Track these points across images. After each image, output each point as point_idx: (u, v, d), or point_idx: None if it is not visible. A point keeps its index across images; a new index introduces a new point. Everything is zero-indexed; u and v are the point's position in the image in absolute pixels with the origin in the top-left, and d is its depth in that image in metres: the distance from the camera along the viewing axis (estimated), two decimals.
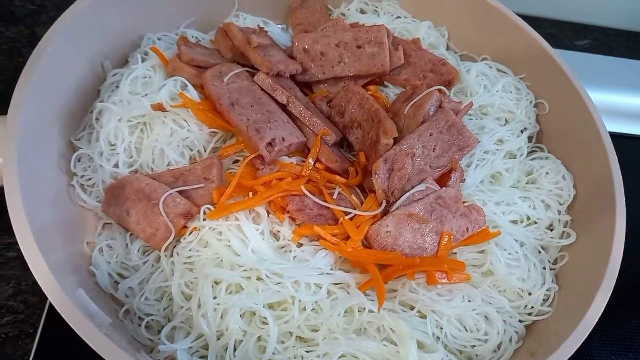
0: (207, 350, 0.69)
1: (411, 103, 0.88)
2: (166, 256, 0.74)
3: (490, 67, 1.00)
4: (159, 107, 0.82)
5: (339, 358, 0.67)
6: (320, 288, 0.71)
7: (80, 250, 0.78)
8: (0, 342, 0.82)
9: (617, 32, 1.60)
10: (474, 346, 0.73)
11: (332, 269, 0.73)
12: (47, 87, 0.78)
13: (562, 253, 0.84)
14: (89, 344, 0.60)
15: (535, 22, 1.50)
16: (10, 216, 0.65)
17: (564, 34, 1.56)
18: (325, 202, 0.78)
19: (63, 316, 0.62)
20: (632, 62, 1.42)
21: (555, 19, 1.55)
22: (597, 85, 1.32)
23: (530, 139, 0.97)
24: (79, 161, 0.83)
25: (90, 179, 0.82)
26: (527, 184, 0.89)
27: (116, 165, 0.82)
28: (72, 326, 0.61)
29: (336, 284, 0.72)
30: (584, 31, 1.57)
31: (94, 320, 0.62)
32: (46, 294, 0.62)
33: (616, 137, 1.16)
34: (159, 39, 0.97)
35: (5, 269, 0.89)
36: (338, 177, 0.82)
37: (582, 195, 0.87)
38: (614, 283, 0.71)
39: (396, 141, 0.83)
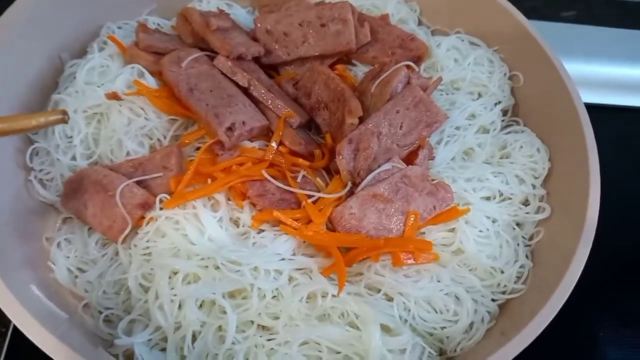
0: (167, 342, 0.67)
1: (378, 80, 0.85)
2: (124, 248, 0.72)
3: (462, 40, 0.96)
4: (113, 96, 0.80)
5: (301, 345, 0.65)
6: (281, 274, 0.68)
7: (40, 246, 0.76)
8: None
9: (604, 1, 1.55)
10: (443, 327, 0.70)
11: (294, 254, 0.71)
12: (1, 83, 0.76)
13: (538, 228, 0.81)
14: (38, 346, 0.59)
15: None
16: None
17: (548, 6, 1.51)
18: (288, 185, 0.76)
19: (10, 318, 0.60)
20: (620, 30, 1.38)
21: None
22: (583, 56, 1.29)
23: (505, 112, 0.94)
24: (37, 155, 0.81)
25: (48, 173, 0.81)
26: (500, 158, 0.86)
27: (73, 158, 0.80)
28: (20, 328, 0.60)
29: (298, 269, 0.70)
30: (570, 2, 1.52)
31: (45, 322, 0.61)
32: None
33: (600, 109, 1.15)
34: (119, 28, 0.95)
35: None
36: (301, 160, 0.79)
37: (558, 169, 0.84)
38: (586, 256, 0.68)
39: (362, 120, 0.80)
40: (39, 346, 0.59)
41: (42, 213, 0.80)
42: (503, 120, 0.92)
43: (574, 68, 1.15)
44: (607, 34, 1.38)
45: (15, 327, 0.78)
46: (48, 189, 0.80)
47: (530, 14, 1.39)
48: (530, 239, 0.81)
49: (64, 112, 0.63)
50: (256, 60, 0.90)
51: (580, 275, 0.68)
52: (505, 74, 0.94)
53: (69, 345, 0.59)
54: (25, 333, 0.60)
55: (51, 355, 0.59)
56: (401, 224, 0.73)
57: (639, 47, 1.33)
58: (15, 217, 0.74)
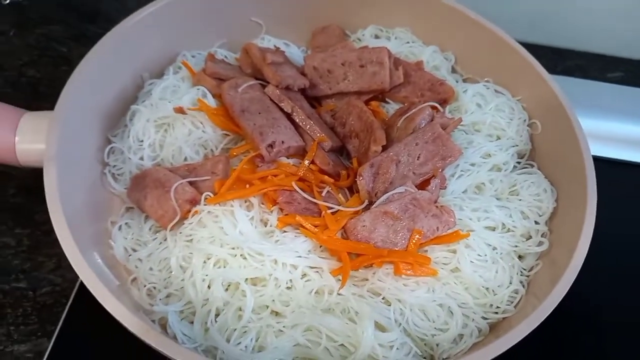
0: (194, 316, 0.79)
1: (404, 117, 0.96)
2: (171, 234, 0.86)
3: (488, 88, 1.07)
4: (180, 110, 0.96)
5: (305, 330, 0.75)
6: (296, 269, 0.80)
7: (105, 227, 0.92)
8: (39, 308, 0.95)
9: None
10: (434, 335, 0.78)
11: (309, 254, 0.82)
12: (91, 91, 0.94)
13: (538, 261, 0.88)
14: (96, 298, 0.72)
15: (564, 53, 1.54)
16: (47, 196, 0.78)
17: (594, 65, 1.56)
18: (313, 197, 0.88)
19: (78, 273, 0.74)
20: None
21: (585, 51, 1.57)
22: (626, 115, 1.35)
23: (522, 156, 1.02)
24: (113, 153, 0.97)
25: (120, 169, 0.97)
26: (510, 195, 0.94)
27: (141, 158, 0.96)
28: (86, 285, 0.72)
29: (311, 267, 0.81)
30: (615, 63, 1.57)
31: (103, 280, 0.74)
32: (67, 257, 0.75)
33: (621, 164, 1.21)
34: (192, 56, 1.12)
35: (50, 247, 1.04)
36: (327, 178, 0.91)
37: (562, 211, 0.91)
38: (560, 298, 0.75)
39: (385, 148, 0.92)
40: (97, 298, 0.70)
41: (110, 200, 0.95)
42: (519, 163, 1.01)
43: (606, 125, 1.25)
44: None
45: (74, 299, 0.95)
46: (118, 182, 0.96)
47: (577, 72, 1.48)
48: (530, 270, 0.88)
49: None
50: (302, 91, 1.04)
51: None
52: (524, 121, 1.03)
53: (123, 304, 0.71)
54: (88, 287, 0.71)
55: (107, 308, 0.70)
56: (406, 240, 0.83)
57: None
58: (90, 201, 0.90)
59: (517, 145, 1.01)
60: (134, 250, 0.88)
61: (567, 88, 1.01)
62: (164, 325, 0.80)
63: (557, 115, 0.97)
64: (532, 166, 1.00)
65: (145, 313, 0.81)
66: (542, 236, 0.90)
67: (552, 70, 1.50)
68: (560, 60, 1.54)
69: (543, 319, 0.72)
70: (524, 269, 0.88)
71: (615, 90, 1.43)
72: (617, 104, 1.38)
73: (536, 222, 0.90)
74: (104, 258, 0.85)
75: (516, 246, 0.88)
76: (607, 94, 1.40)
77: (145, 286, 0.84)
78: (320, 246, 0.84)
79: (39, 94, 1.24)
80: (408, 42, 1.15)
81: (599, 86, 1.42)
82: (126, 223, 0.91)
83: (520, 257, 0.89)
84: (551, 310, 0.73)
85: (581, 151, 0.90)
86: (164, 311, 0.79)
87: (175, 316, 0.79)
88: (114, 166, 0.97)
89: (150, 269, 0.85)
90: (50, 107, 0.87)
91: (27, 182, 1.06)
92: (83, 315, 0.93)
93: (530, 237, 0.90)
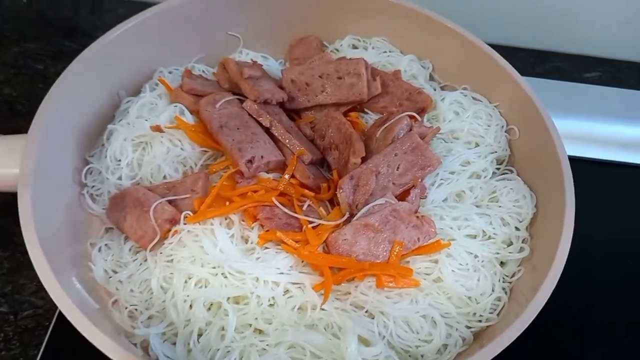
0: (177, 337, 0.79)
1: (383, 127, 0.97)
2: (151, 255, 0.85)
3: (465, 96, 1.07)
4: (157, 129, 0.96)
5: (288, 348, 0.75)
6: (278, 285, 0.80)
7: (84, 249, 0.91)
8: (20, 332, 0.94)
9: (630, 64, 1.61)
10: (418, 346, 0.78)
11: (290, 270, 0.82)
12: (68, 110, 0.93)
13: (520, 267, 0.88)
14: (77, 328, 0.71)
15: (543, 55, 1.56)
16: (20, 220, 0.77)
17: (573, 66, 1.58)
18: (294, 212, 0.88)
19: (55, 302, 0.73)
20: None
21: (563, 52, 1.59)
22: (605, 115, 1.36)
23: (501, 162, 1.03)
24: (90, 174, 0.96)
25: (98, 189, 0.96)
26: (489, 202, 0.95)
27: (120, 178, 0.95)
28: (62, 312, 0.72)
29: (293, 283, 0.81)
30: (594, 63, 1.59)
31: (83, 309, 0.73)
32: (43, 284, 0.74)
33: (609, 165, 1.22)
34: (169, 72, 1.11)
35: (31, 268, 1.01)
36: (307, 191, 0.91)
37: (542, 215, 0.92)
38: (544, 301, 0.75)
39: (365, 160, 0.92)
40: (76, 327, 0.70)
41: (89, 222, 0.94)
42: (498, 169, 1.01)
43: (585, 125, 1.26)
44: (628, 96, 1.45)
45: (56, 322, 0.93)
46: (96, 203, 0.95)
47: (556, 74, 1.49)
48: (512, 277, 0.88)
49: None
50: (281, 105, 1.04)
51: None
52: (502, 127, 1.04)
53: (100, 330, 0.71)
54: (66, 316, 0.71)
55: (86, 336, 0.69)
56: (387, 252, 0.83)
57: None
58: (69, 223, 0.89)
59: (495, 152, 1.01)
60: (114, 272, 0.87)
61: (546, 90, 1.02)
62: (146, 348, 0.79)
63: (533, 119, 0.98)
64: (512, 172, 1.01)
65: (126, 336, 0.80)
66: (522, 242, 0.90)
67: (530, 72, 1.52)
68: (538, 63, 1.55)
69: (525, 327, 0.72)
70: (506, 276, 0.88)
71: (593, 91, 1.45)
72: (595, 104, 1.40)
73: (517, 229, 0.91)
74: (83, 281, 0.84)
75: (497, 253, 0.89)
76: (584, 95, 1.42)
77: (126, 308, 0.83)
78: (302, 261, 0.84)
79: (16, 113, 1.23)
80: (385, 52, 1.16)
81: (577, 87, 1.44)
82: (106, 244, 0.90)
83: (502, 263, 0.90)
84: (533, 317, 0.73)
85: (557, 154, 0.91)
86: (146, 334, 0.78)
87: (157, 338, 0.78)
88: (92, 187, 0.96)
89: (131, 290, 0.84)
90: (27, 125, 0.86)
91: (6, 202, 1.05)
92: (66, 338, 0.91)
93: (511, 243, 0.91)
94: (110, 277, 0.87)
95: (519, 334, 0.72)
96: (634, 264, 1.09)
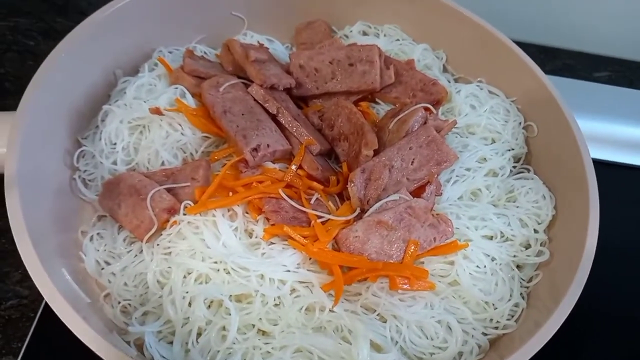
0: (174, 336, 0.73)
1: (396, 119, 0.91)
2: (147, 247, 0.79)
3: (481, 89, 1.02)
4: (156, 111, 0.89)
5: (294, 352, 0.70)
6: (284, 284, 0.74)
7: (75, 238, 0.85)
8: (3, 323, 0.88)
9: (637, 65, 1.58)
10: (432, 354, 0.74)
11: (298, 268, 0.77)
12: (59, 89, 0.87)
13: (538, 271, 0.84)
14: (65, 323, 0.65)
15: (553, 52, 1.52)
16: (7, 204, 0.72)
17: (583, 64, 1.55)
18: (301, 205, 0.82)
19: (42, 293, 0.67)
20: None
21: (573, 50, 1.56)
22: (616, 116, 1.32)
23: (518, 160, 0.98)
24: (83, 157, 0.90)
25: (91, 174, 0.90)
26: (507, 202, 0.90)
27: (114, 163, 0.89)
28: (50, 305, 0.66)
29: (301, 282, 0.76)
30: (604, 62, 1.56)
31: (72, 302, 0.68)
32: (29, 272, 0.69)
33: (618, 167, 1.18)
34: (169, 52, 1.05)
35: (16, 256, 0.96)
36: (316, 184, 0.86)
37: (562, 217, 0.87)
38: (571, 307, 0.71)
39: (377, 153, 0.87)
40: (65, 322, 0.65)
41: (81, 209, 0.88)
42: (515, 167, 0.97)
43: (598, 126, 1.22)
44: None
45: (42, 313, 0.87)
46: (89, 188, 0.89)
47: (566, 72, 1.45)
48: (530, 281, 0.84)
49: None
50: (288, 91, 0.98)
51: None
52: (520, 123, 0.99)
53: (91, 326, 0.65)
54: (54, 310, 0.66)
55: (74, 332, 0.65)
56: (401, 251, 0.77)
57: None
58: (58, 208, 0.83)
59: (513, 149, 0.97)
60: (107, 264, 0.81)
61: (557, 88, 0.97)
62: (140, 346, 0.74)
63: (554, 117, 0.93)
64: (529, 171, 0.96)
65: (119, 333, 0.74)
66: (541, 245, 0.86)
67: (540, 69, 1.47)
68: (548, 60, 1.51)
69: (550, 337, 0.68)
70: (523, 280, 0.84)
71: (603, 90, 1.41)
72: (605, 104, 1.36)
73: (535, 231, 0.86)
74: (73, 272, 0.78)
75: (515, 256, 0.84)
76: (595, 94, 1.38)
77: (119, 303, 0.77)
78: (310, 258, 0.78)
79: (5, 90, 1.17)
80: (398, 40, 1.10)
81: (587, 86, 1.40)
82: (98, 233, 0.84)
83: (518, 266, 0.85)
84: (558, 327, 0.69)
85: (581, 155, 0.87)
86: (140, 331, 0.72)
87: (153, 337, 0.73)
88: (85, 171, 0.90)
89: (125, 284, 0.78)
90: (16, 104, 0.80)
91: None
92: (52, 330, 0.84)
93: (529, 246, 0.86)
94: (102, 269, 0.81)
95: (542, 344, 0.67)
96: None
